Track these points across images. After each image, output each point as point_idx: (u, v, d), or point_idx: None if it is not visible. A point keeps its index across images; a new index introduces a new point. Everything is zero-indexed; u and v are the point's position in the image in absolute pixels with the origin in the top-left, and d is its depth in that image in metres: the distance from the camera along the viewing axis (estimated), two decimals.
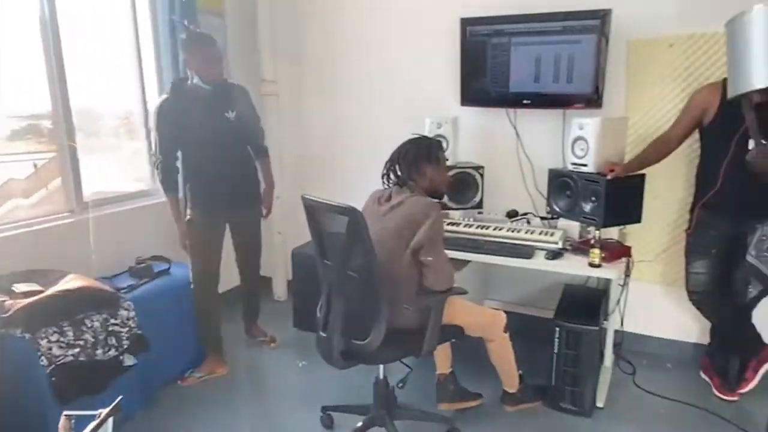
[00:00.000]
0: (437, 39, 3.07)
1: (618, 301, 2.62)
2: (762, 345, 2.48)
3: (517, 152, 3.02)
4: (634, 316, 2.86)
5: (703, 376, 2.63)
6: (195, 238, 2.64)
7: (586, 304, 2.51)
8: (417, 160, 1.99)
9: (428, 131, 2.86)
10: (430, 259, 1.85)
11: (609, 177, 2.37)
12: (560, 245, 2.48)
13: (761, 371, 2.46)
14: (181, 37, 2.65)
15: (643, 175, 2.53)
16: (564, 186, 2.64)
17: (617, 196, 2.41)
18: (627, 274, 2.59)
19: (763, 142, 2.15)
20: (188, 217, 2.65)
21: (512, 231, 2.65)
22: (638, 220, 2.58)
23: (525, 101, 2.85)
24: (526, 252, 2.43)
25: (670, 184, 2.67)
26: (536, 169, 2.96)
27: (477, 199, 2.93)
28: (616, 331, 2.84)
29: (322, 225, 1.88)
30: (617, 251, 2.39)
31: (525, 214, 2.96)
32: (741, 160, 2.18)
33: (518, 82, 2.84)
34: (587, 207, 2.49)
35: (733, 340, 2.51)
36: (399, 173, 2.02)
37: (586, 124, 2.50)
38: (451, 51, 2.98)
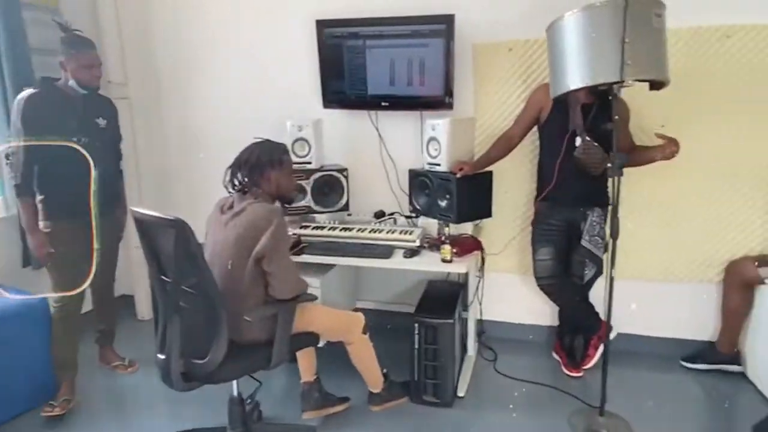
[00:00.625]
0: (296, 41, 3.02)
1: (476, 293, 2.75)
2: (600, 322, 2.73)
3: (380, 153, 3.06)
4: (494, 305, 3.02)
5: (555, 355, 2.85)
6: (57, 252, 2.37)
7: (445, 298, 2.61)
8: (260, 164, 1.93)
9: (289, 135, 2.81)
10: (273, 267, 1.80)
11: (459, 175, 2.48)
12: (418, 243, 2.54)
13: (600, 348, 2.71)
14: (60, 36, 2.36)
15: (490, 172, 2.68)
16: (423, 185, 2.73)
17: (468, 193, 2.54)
18: (481, 267, 2.73)
19: (587, 138, 2.38)
20: (47, 229, 2.37)
21: (374, 232, 2.67)
22: (489, 214, 2.74)
23: (383, 103, 2.90)
24: (385, 252, 2.47)
25: (517, 178, 2.85)
26: (400, 170, 3.02)
27: (343, 201, 2.93)
28: (478, 321, 2.99)
29: (156, 239, 1.75)
30: (468, 246, 2.50)
31: (392, 214, 3.01)
32: (571, 156, 2.39)
33: (375, 85, 2.88)
34: (443, 204, 2.59)
35: (576, 320, 2.75)
36: (242, 179, 1.95)
37: (437, 125, 2.59)
38: (311, 53, 2.95)
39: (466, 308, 2.79)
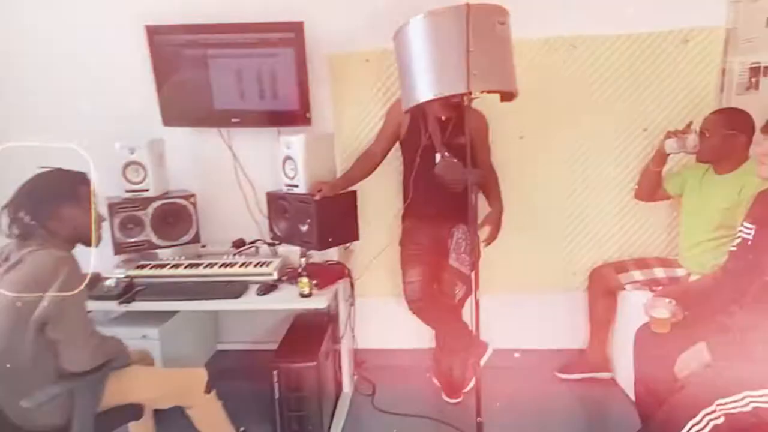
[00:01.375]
0: (127, 50, 2.61)
1: (347, 323, 2.52)
2: (474, 342, 2.62)
3: (236, 175, 2.74)
4: (372, 331, 2.82)
5: (434, 380, 2.69)
6: None
7: (312, 333, 2.34)
8: (47, 199, 1.53)
9: (118, 158, 2.39)
10: (61, 333, 1.41)
11: (317, 197, 2.24)
12: (275, 276, 2.25)
13: (477, 367, 2.60)
14: None
15: (353, 192, 2.48)
16: (281, 209, 2.46)
17: (329, 216, 2.31)
18: (351, 293, 2.51)
19: (446, 154, 2.26)
20: None
21: (226, 266, 2.34)
22: (356, 237, 2.53)
23: (234, 119, 2.59)
24: (237, 289, 2.15)
25: (386, 196, 2.68)
26: (259, 193, 2.72)
27: (192, 232, 2.56)
28: (355, 351, 2.76)
29: None
30: (332, 274, 2.27)
31: (253, 242, 2.69)
32: (427, 172, 2.26)
33: (223, 99, 2.57)
34: (304, 229, 2.34)
35: (452, 341, 2.62)
36: (26, 220, 1.53)
37: (291, 143, 2.34)
38: (145, 64, 2.55)
39: (339, 340, 2.54)
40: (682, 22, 2.41)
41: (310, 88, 2.56)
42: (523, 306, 2.77)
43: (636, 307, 2.23)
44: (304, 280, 2.05)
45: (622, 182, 2.57)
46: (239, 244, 2.68)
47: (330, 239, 2.35)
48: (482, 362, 2.62)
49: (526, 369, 2.76)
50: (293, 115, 2.55)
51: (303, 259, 2.09)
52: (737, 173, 2.07)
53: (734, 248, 1.81)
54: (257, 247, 2.66)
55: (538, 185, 2.61)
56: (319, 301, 2.04)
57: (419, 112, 2.29)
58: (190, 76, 2.53)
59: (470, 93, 1.74)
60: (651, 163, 2.35)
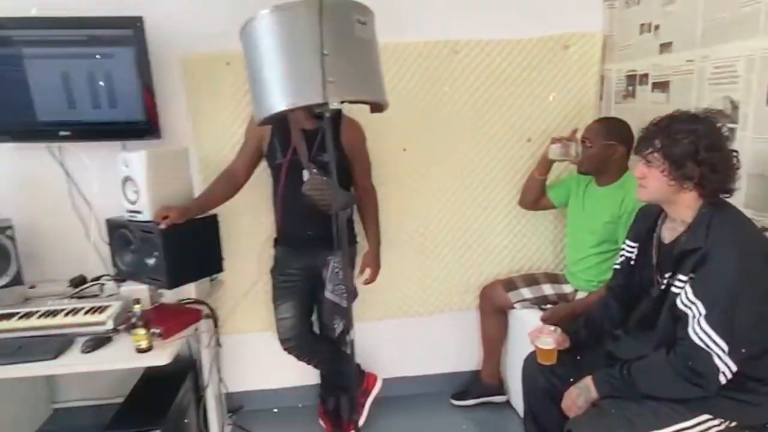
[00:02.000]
0: None
1: (211, 368, 2.16)
2: (363, 375, 2.39)
3: (71, 199, 2.28)
4: (248, 371, 2.50)
5: (321, 422, 2.41)
6: None
7: (165, 385, 1.97)
8: None
9: None
10: None
11: (162, 226, 1.87)
12: (111, 326, 1.85)
13: (368, 402, 2.37)
14: None
15: (214, 216, 2.14)
16: (125, 240, 2.05)
17: (182, 247, 1.95)
18: (215, 333, 2.16)
19: (315, 171, 2.00)
20: None
21: (47, 316, 1.89)
22: (219, 268, 2.19)
23: (62, 133, 2.14)
24: (57, 347, 1.72)
25: (258, 219, 2.35)
26: (102, 219, 2.28)
27: (11, 271, 2.08)
28: (228, 395, 2.42)
29: None
30: (182, 319, 1.90)
31: (98, 278, 2.26)
32: (296, 192, 1.98)
33: (47, 108, 2.11)
34: (151, 264, 1.96)
35: (337, 379, 2.35)
36: None
37: (131, 161, 1.95)
38: None
39: (203, 388, 2.18)
40: (563, 28, 2.33)
41: (162, 95, 2.19)
42: (415, 330, 2.57)
43: (526, 327, 2.11)
44: (141, 331, 1.67)
45: (508, 195, 2.45)
46: (78, 282, 2.24)
47: (184, 275, 1.99)
48: (372, 396, 2.40)
49: (422, 397, 2.58)
50: (138, 128, 2.15)
51: (137, 306, 1.70)
52: (617, 185, 2.00)
53: (618, 266, 1.71)
54: (102, 285, 2.23)
55: (422, 201, 2.42)
56: (160, 357, 1.67)
57: (282, 123, 2.00)
58: (3, 81, 2.05)
59: (326, 104, 1.48)
60: (535, 170, 2.24)
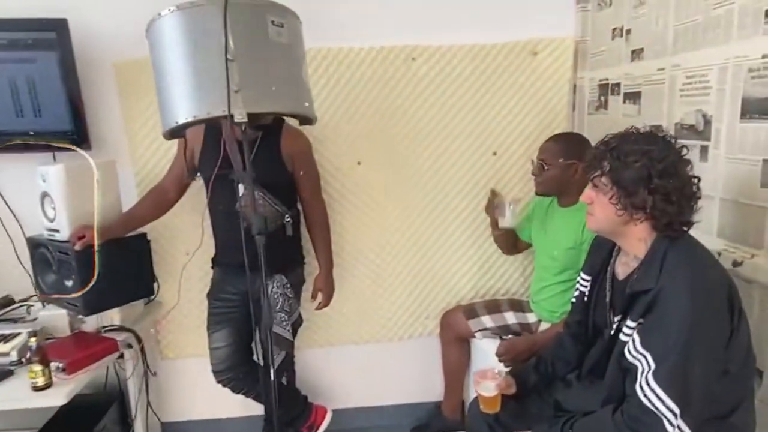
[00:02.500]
0: None
1: (138, 400, 1.98)
2: (310, 407, 2.20)
3: None
4: (187, 401, 2.33)
5: None
6: None
7: (83, 419, 1.81)
8: None
9: None
10: None
11: (78, 247, 1.71)
12: (15, 357, 1.68)
13: None
14: None
15: (143, 236, 1.97)
16: (45, 260, 1.90)
17: (105, 269, 1.78)
18: (143, 360, 1.98)
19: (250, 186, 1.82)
20: None
21: None
22: (149, 292, 2.02)
23: None
24: None
25: (200, 235, 2.18)
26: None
27: None
28: (164, 424, 2.24)
29: None
30: (93, 351, 1.70)
31: (26, 299, 2.10)
32: (230, 209, 1.81)
33: None
34: (69, 287, 1.79)
35: (280, 413, 2.16)
36: None
37: (47, 175, 1.79)
38: None
39: (128, 423, 2.00)
40: (531, 33, 2.14)
41: (92, 103, 2.04)
42: (371, 358, 2.38)
43: (488, 358, 1.93)
44: (36, 368, 1.50)
45: (471, 213, 2.26)
46: (5, 303, 2.08)
47: (104, 300, 1.82)
48: (321, 430, 2.20)
49: (378, 430, 2.38)
50: (65, 138, 1.99)
51: (33, 339, 1.53)
52: (579, 206, 1.80)
53: (574, 300, 1.52)
54: (29, 308, 2.07)
55: (380, 219, 2.24)
56: (57, 396, 1.49)
57: (215, 132, 1.84)
58: None
59: (232, 116, 1.31)
60: (491, 227, 2.11)
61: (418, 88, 2.15)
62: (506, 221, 1.95)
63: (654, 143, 1.17)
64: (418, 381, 2.42)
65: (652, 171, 1.14)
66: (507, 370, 1.66)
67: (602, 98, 2.04)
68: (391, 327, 2.34)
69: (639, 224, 1.19)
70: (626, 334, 1.18)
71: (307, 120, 1.51)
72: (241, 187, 1.84)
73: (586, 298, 1.42)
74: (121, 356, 1.87)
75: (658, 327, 1.10)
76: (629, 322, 1.18)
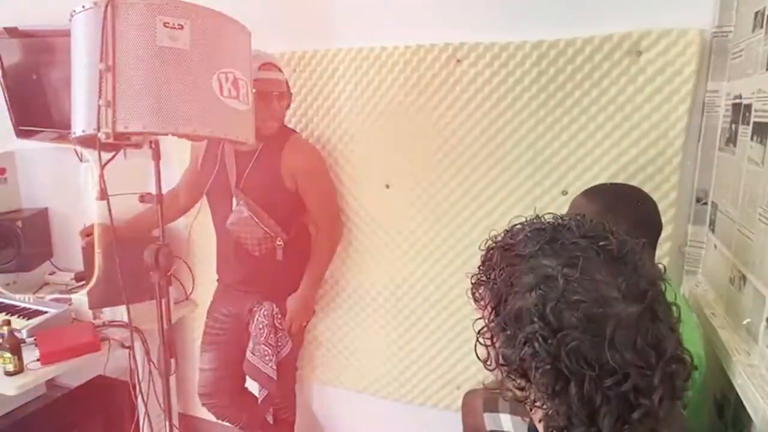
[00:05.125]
0: None
1: (147, 392, 2.02)
2: None
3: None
4: None
5: None
6: None
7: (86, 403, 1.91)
8: None
9: None
10: None
11: (83, 243, 1.82)
12: (24, 335, 1.84)
13: None
14: None
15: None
16: None
17: (108, 267, 1.84)
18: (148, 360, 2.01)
19: (242, 202, 1.67)
20: None
21: None
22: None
23: None
24: None
25: None
26: None
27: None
28: (184, 416, 2.27)
29: None
30: (70, 348, 1.72)
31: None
32: (223, 222, 1.69)
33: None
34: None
35: None
36: None
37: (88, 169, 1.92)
38: None
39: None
40: (632, 22, 1.44)
41: None
42: (385, 416, 2.01)
43: None
44: (6, 355, 1.60)
45: None
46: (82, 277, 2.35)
47: (108, 297, 1.88)
48: None
49: None
50: None
51: (6, 327, 1.63)
52: None
53: None
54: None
55: (410, 253, 1.83)
56: (14, 384, 1.57)
57: (215, 141, 1.70)
58: None
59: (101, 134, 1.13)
60: None
61: (462, 98, 1.65)
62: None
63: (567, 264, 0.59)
64: None
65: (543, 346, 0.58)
66: None
67: (733, 126, 1.26)
68: (410, 388, 1.92)
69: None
70: None
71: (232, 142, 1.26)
72: (234, 202, 1.70)
73: None
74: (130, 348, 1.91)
75: None
76: None
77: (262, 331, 1.73)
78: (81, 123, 1.18)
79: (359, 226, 1.87)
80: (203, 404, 1.90)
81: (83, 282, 2.25)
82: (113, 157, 1.36)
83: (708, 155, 1.42)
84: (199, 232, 2.11)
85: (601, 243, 0.60)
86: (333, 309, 1.97)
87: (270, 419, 1.92)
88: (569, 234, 0.62)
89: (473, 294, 0.69)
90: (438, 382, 1.88)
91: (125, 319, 1.91)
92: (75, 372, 2.02)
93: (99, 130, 1.10)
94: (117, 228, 1.78)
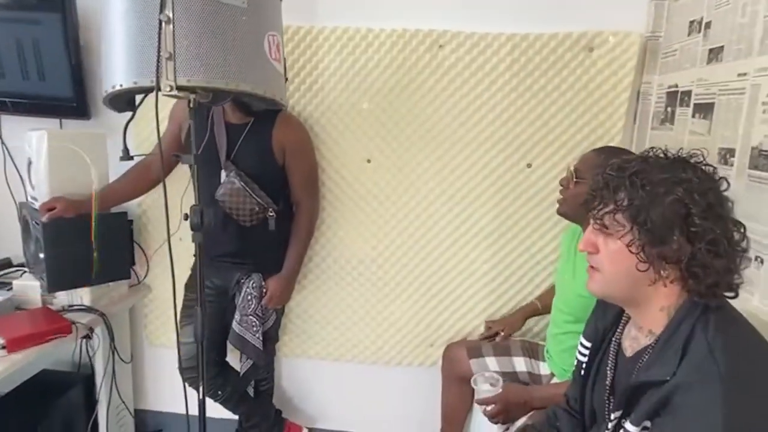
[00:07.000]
0: None
1: (103, 382, 1.88)
2: (280, 422, 1.99)
3: (5, 174, 2.11)
4: (164, 392, 2.22)
5: None
6: None
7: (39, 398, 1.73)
8: None
9: None
10: None
11: (45, 219, 1.62)
12: None
13: None
14: None
15: (123, 214, 1.85)
16: (29, 228, 1.84)
17: (71, 245, 1.68)
18: (112, 347, 1.88)
19: (232, 174, 1.65)
20: None
21: None
22: (124, 274, 1.90)
23: None
24: None
25: None
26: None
27: None
28: (138, 412, 2.15)
29: None
30: (36, 334, 1.57)
31: (22, 265, 2.07)
32: (210, 195, 1.65)
33: None
34: (41, 259, 1.72)
35: (251, 423, 1.97)
36: None
37: (32, 140, 1.72)
38: None
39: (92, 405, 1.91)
40: (587, 24, 1.75)
41: (97, 70, 1.94)
42: (361, 379, 2.13)
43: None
44: None
45: (494, 232, 1.92)
46: (2, 265, 2.07)
47: (69, 278, 1.73)
48: None
49: None
50: (66, 104, 1.92)
51: None
52: None
53: (574, 368, 1.16)
54: (23, 273, 2.04)
55: (387, 225, 1.97)
56: None
57: (204, 111, 1.66)
58: None
59: (159, 89, 1.11)
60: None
61: (443, 81, 1.84)
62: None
63: (690, 170, 0.81)
64: (412, 414, 2.13)
65: (692, 209, 0.78)
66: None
67: (669, 109, 1.62)
68: (387, 350, 2.07)
69: (663, 288, 0.84)
70: None
71: (273, 102, 1.29)
72: (223, 174, 1.68)
73: (583, 371, 1.06)
74: (87, 337, 1.77)
75: None
76: (629, 426, 0.83)
77: (250, 302, 1.73)
78: (129, 74, 1.13)
79: (341, 199, 1.95)
80: (186, 378, 1.80)
81: (20, 265, 2.02)
82: (133, 117, 1.31)
83: (642, 134, 1.78)
84: (154, 213, 2.02)
85: (693, 160, 0.84)
86: (311, 281, 2.03)
87: (251, 392, 1.93)
88: (664, 157, 0.85)
89: (600, 205, 0.86)
90: (414, 342, 2.04)
91: (81, 302, 1.79)
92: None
93: (156, 82, 1.07)
94: (81, 202, 1.68)
